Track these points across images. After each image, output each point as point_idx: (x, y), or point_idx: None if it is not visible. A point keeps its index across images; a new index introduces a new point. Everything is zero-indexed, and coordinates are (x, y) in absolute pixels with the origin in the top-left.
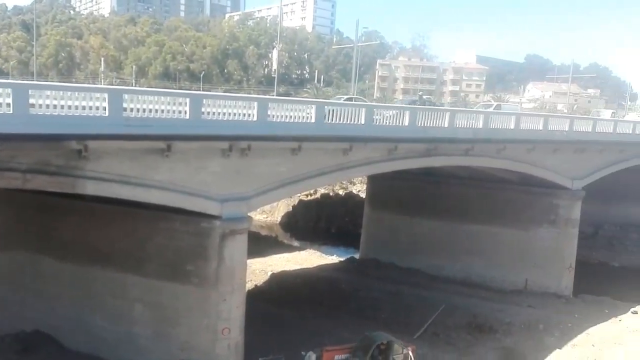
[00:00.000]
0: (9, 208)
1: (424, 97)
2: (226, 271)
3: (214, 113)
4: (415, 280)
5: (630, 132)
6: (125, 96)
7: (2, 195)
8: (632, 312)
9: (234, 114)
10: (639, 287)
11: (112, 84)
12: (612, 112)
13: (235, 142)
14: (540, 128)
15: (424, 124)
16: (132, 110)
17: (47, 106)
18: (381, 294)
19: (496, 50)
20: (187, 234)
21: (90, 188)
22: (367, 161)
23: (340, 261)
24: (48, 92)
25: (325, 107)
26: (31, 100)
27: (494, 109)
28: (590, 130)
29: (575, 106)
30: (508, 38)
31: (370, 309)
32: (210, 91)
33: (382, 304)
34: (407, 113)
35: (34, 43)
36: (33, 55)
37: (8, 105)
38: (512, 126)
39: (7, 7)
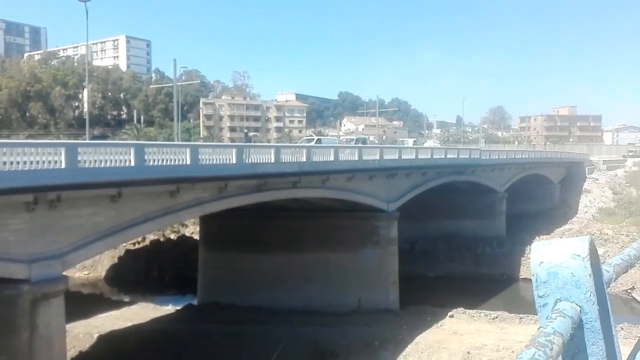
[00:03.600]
0: None
1: (250, 134)
2: (41, 342)
3: (12, 162)
4: (257, 318)
5: (429, 157)
6: None
7: None
8: (449, 316)
9: (38, 162)
10: (451, 292)
11: None
12: (414, 140)
13: (42, 193)
14: (357, 158)
15: (252, 160)
16: None
17: None
18: (223, 337)
19: (312, 88)
20: None
21: None
22: (197, 201)
23: (177, 310)
24: None
25: (146, 148)
26: None
27: (315, 142)
28: (397, 158)
29: (384, 136)
30: (322, 77)
31: (215, 356)
32: (10, 138)
33: (224, 348)
34: (234, 150)
35: None
36: None
37: None
38: (332, 158)
39: None
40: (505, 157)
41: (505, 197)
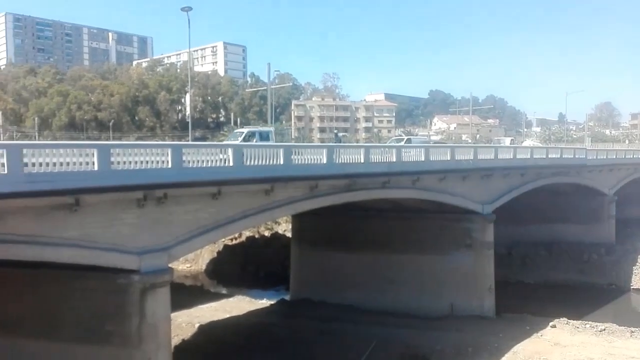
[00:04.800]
0: None
1: (339, 134)
2: (149, 328)
3: (124, 162)
4: (348, 316)
5: (529, 156)
6: (25, 151)
7: None
8: (551, 326)
9: (147, 162)
10: (553, 301)
11: (13, 139)
12: (511, 139)
13: (150, 191)
14: (449, 158)
15: (342, 160)
16: (34, 164)
17: None
18: (315, 334)
19: (402, 87)
20: (104, 292)
21: None
22: (290, 200)
23: (271, 304)
24: None
25: (244, 149)
26: None
27: (405, 142)
28: (493, 158)
29: (478, 135)
30: (412, 76)
31: (306, 351)
32: (121, 140)
33: (316, 344)
34: (324, 151)
35: None
36: None
37: None
38: (422, 158)
39: None
40: (614, 157)
41: (615, 200)
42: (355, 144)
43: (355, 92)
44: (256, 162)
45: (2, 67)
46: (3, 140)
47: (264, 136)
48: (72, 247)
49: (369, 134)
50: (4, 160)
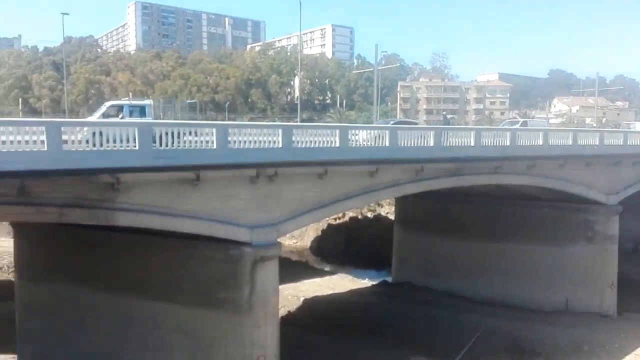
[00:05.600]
0: (49, 241)
1: (448, 116)
2: (259, 298)
3: (240, 142)
4: (451, 303)
5: None
6: (155, 129)
7: (43, 229)
8: None
9: (260, 142)
10: None
11: None
12: None
13: (262, 169)
14: (570, 143)
15: (450, 143)
16: (161, 142)
17: (79, 142)
18: (416, 318)
19: (518, 67)
20: (218, 261)
21: (123, 220)
22: (394, 183)
23: (373, 285)
24: (78, 128)
25: (349, 130)
26: (64, 137)
27: (520, 125)
28: (621, 144)
29: (604, 119)
30: (529, 55)
31: (406, 334)
32: (235, 120)
33: (417, 328)
34: (431, 133)
35: (64, 82)
36: (64, 93)
37: (42, 142)
38: (540, 142)
39: (38, 48)
40: None
41: None
42: (464, 126)
43: (465, 73)
44: (361, 144)
45: (132, 52)
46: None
47: (137, 111)
48: (193, 219)
49: (479, 117)
50: (136, 138)
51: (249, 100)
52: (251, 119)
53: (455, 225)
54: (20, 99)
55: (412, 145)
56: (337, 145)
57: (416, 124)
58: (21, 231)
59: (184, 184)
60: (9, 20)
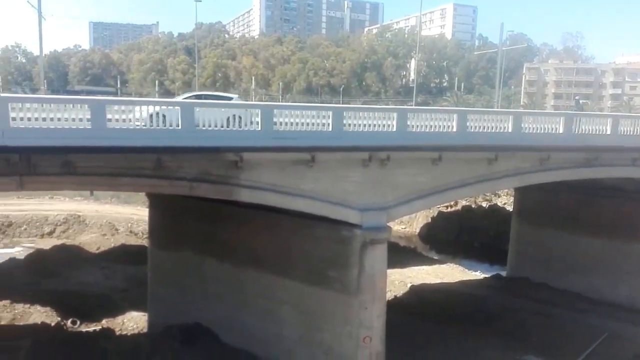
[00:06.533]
0: (178, 212)
1: (581, 101)
2: (367, 279)
3: (354, 125)
4: (571, 303)
5: None
6: (275, 111)
7: (173, 201)
8: None
9: (374, 125)
10: None
11: (262, 100)
12: None
13: (375, 152)
14: None
15: (582, 131)
16: (281, 124)
17: (209, 122)
18: (531, 315)
19: None
20: (329, 240)
21: (245, 195)
22: (515, 172)
23: (485, 278)
24: (210, 109)
25: (468, 115)
26: (196, 117)
27: None
28: None
29: None
30: None
31: (519, 331)
32: (349, 104)
33: (532, 326)
34: (561, 119)
35: (195, 65)
36: (194, 76)
37: (178, 121)
38: None
39: (173, 34)
40: None
41: None
42: (598, 112)
43: (602, 54)
44: (480, 130)
45: (255, 37)
46: (254, 101)
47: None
48: (306, 198)
49: (616, 103)
50: (259, 119)
51: (363, 83)
52: (365, 102)
53: (580, 219)
54: (156, 81)
55: (538, 131)
56: (454, 130)
57: (231, 98)
58: (155, 202)
59: (300, 164)
60: (148, 8)
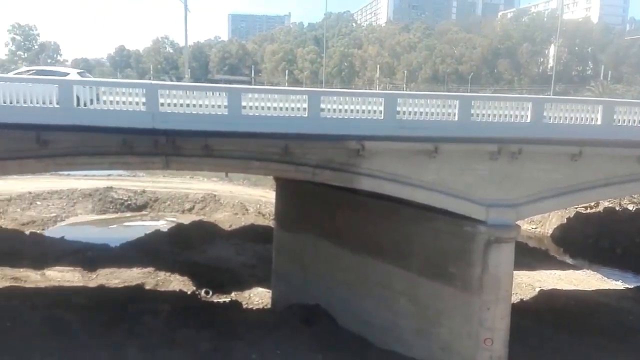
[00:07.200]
0: (301, 197)
1: None
2: (490, 279)
3: (482, 115)
4: None
5: None
6: (399, 100)
7: (297, 185)
8: None
9: (504, 116)
10: None
11: (386, 89)
12: None
13: (505, 144)
14: None
15: None
16: (404, 113)
17: (333, 110)
18: None
19: None
20: (450, 235)
21: (365, 184)
22: None
23: (627, 289)
24: (334, 98)
25: (615, 106)
26: (321, 105)
27: None
28: None
29: None
30: None
31: None
32: (478, 92)
33: None
34: None
35: (323, 55)
36: (322, 66)
37: (304, 109)
38: None
39: (303, 24)
40: None
41: None
42: None
43: None
44: (629, 122)
45: (382, 25)
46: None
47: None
48: (427, 190)
49: None
50: (382, 108)
51: (495, 71)
52: (495, 91)
53: None
54: (286, 71)
55: None
56: (599, 123)
57: (67, 74)
58: (281, 185)
59: (422, 154)
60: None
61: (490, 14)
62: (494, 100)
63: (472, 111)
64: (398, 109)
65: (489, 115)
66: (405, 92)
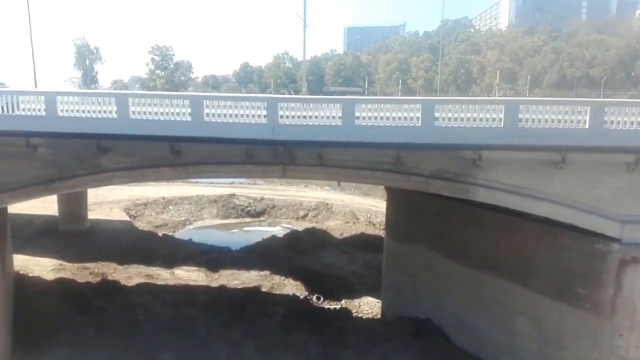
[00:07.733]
0: (412, 207)
1: None
2: (624, 302)
3: (617, 122)
4: None
5: None
6: (521, 107)
7: (407, 196)
8: None
9: None
10: None
11: (506, 96)
12: None
13: None
14: None
15: None
16: (527, 120)
17: (448, 119)
18: None
19: None
20: (577, 252)
21: (482, 195)
22: None
23: None
24: (449, 106)
25: None
26: (435, 114)
27: None
28: None
29: None
30: None
31: None
32: (612, 97)
33: None
34: None
35: (438, 63)
36: (436, 74)
37: (417, 119)
38: None
39: (418, 33)
40: None
41: None
42: None
43: None
44: None
45: (503, 29)
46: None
47: None
48: (552, 203)
49: None
50: (502, 116)
51: (632, 74)
52: (632, 96)
53: None
54: (400, 81)
55: None
56: None
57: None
58: (392, 195)
59: (547, 165)
60: (398, 9)
61: (626, 12)
62: (631, 106)
63: (606, 118)
64: (520, 116)
65: (625, 122)
66: (528, 97)
